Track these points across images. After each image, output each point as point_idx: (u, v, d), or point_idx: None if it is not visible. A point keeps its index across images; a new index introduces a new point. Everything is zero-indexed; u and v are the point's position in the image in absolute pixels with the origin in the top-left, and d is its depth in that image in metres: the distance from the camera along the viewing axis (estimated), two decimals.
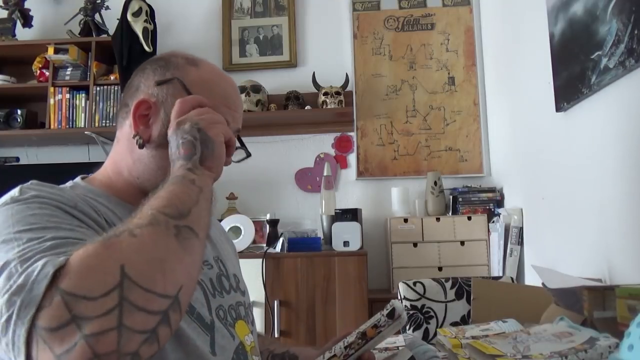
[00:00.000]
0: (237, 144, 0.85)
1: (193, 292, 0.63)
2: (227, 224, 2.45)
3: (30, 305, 0.50)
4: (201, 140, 0.71)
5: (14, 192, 0.68)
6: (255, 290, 2.21)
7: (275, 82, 2.85)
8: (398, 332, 0.75)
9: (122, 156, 0.82)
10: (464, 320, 1.61)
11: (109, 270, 0.52)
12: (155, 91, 0.79)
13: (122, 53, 2.60)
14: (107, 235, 0.56)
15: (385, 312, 0.74)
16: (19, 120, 2.71)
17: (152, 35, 2.68)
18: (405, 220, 2.47)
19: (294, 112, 2.71)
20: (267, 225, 2.52)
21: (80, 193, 0.74)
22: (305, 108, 2.72)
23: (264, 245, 2.47)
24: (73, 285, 0.51)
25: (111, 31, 2.76)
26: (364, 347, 0.74)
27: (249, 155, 0.90)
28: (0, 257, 0.57)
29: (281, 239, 2.40)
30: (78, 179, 0.82)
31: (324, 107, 2.68)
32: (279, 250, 2.37)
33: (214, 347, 0.74)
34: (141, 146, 0.78)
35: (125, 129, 0.81)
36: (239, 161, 0.88)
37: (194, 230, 0.61)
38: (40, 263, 0.53)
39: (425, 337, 1.59)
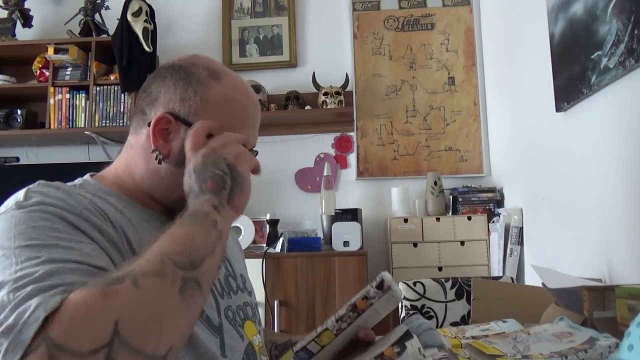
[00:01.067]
0: None
1: (182, 349, 0.61)
2: None
3: (17, 350, 0.49)
4: (232, 176, 0.69)
5: (20, 195, 0.66)
6: (256, 290, 2.20)
7: (275, 82, 2.85)
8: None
9: (136, 163, 0.80)
10: (464, 320, 1.61)
11: (102, 325, 0.50)
12: (177, 107, 0.77)
13: (122, 53, 2.60)
14: (108, 279, 0.53)
15: (374, 283, 0.73)
16: (19, 120, 2.71)
17: (152, 35, 2.68)
18: (405, 220, 2.47)
19: (294, 112, 2.71)
20: (267, 225, 2.52)
21: (90, 191, 0.73)
22: (305, 108, 2.72)
23: (264, 245, 2.47)
24: (62, 335, 0.49)
25: (111, 31, 2.76)
26: (356, 320, 0.73)
27: (256, 153, 0.88)
28: None
29: (281, 239, 2.40)
30: (87, 176, 0.80)
31: (324, 107, 2.68)
32: (279, 250, 2.37)
33: (224, 349, 0.74)
34: (160, 162, 0.76)
35: (141, 138, 0.79)
36: None
37: (201, 284, 0.59)
38: (33, 303, 0.51)
39: None
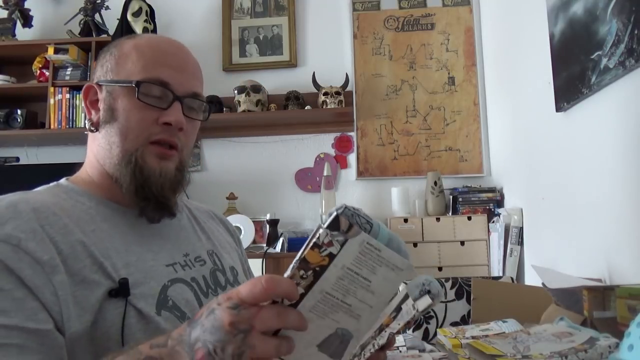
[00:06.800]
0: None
1: None
2: None
3: None
4: None
5: None
6: None
7: (275, 82, 2.85)
8: (399, 332, 0.70)
9: (90, 148, 0.82)
10: (464, 320, 1.60)
11: None
12: (98, 74, 0.80)
13: None
14: None
15: (326, 219, 0.45)
16: (19, 120, 2.71)
17: None
18: (405, 220, 2.47)
19: (294, 112, 2.71)
20: (267, 225, 2.52)
21: (60, 193, 0.74)
22: (305, 108, 2.72)
23: (264, 245, 2.46)
24: None
25: (111, 31, 2.76)
26: (315, 285, 0.47)
27: (205, 107, 0.84)
28: None
29: (281, 239, 2.40)
30: (63, 180, 0.81)
31: (324, 107, 2.68)
32: (279, 250, 2.37)
33: None
34: (92, 130, 0.79)
35: None
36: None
37: None
38: None
39: (425, 337, 1.59)
